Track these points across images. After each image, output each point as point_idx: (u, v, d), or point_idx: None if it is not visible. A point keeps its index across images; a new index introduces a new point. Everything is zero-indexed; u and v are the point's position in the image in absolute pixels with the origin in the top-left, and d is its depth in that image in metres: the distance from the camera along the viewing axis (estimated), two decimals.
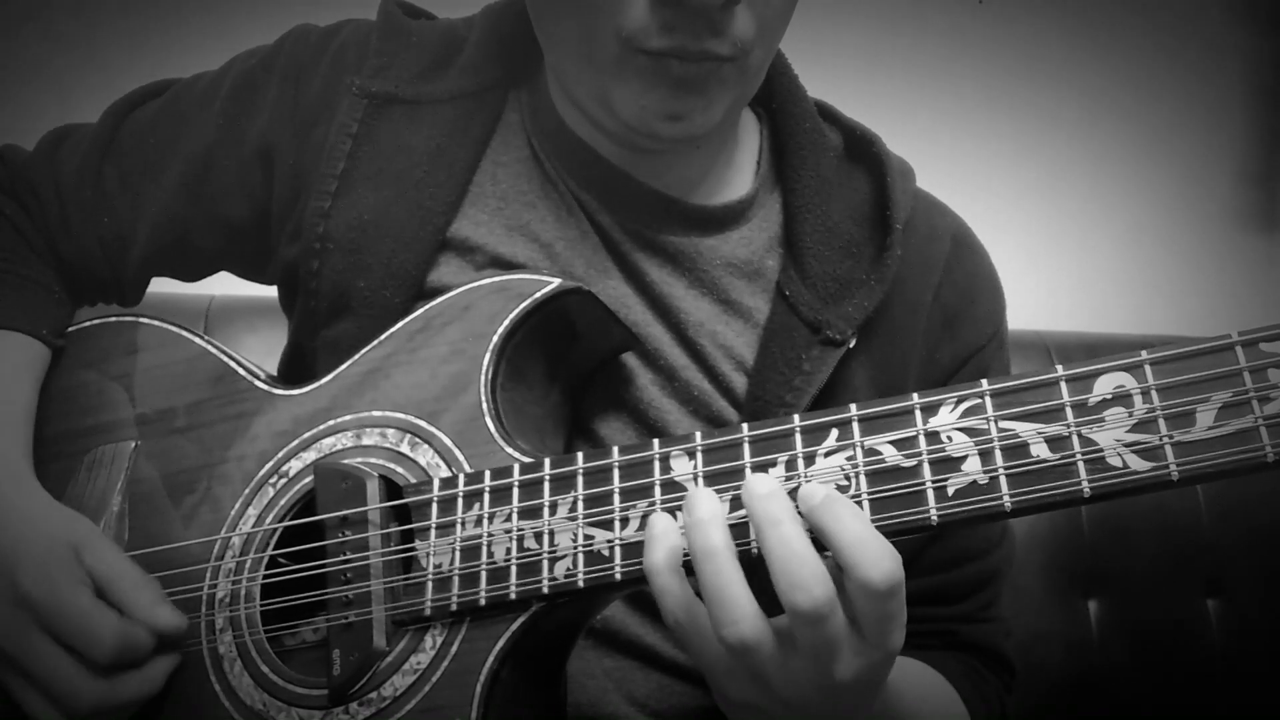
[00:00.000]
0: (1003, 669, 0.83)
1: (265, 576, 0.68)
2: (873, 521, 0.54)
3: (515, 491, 0.63)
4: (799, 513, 0.54)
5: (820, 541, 0.53)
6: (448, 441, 0.66)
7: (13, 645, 0.65)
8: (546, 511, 0.62)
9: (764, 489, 0.54)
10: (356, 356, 0.72)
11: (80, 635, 0.64)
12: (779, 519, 0.53)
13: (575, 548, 0.60)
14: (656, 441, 0.61)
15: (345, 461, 0.67)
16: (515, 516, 0.62)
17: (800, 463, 0.57)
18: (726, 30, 0.66)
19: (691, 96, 0.68)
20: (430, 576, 0.63)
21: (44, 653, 0.64)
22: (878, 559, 0.52)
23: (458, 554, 0.63)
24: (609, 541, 0.60)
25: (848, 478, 0.57)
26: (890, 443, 0.57)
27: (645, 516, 0.59)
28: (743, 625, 0.52)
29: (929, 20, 1.82)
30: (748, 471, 0.58)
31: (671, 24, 0.65)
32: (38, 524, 0.68)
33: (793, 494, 0.55)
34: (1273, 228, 1.92)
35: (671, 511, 0.58)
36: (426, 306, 0.71)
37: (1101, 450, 0.53)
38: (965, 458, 0.55)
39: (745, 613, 0.52)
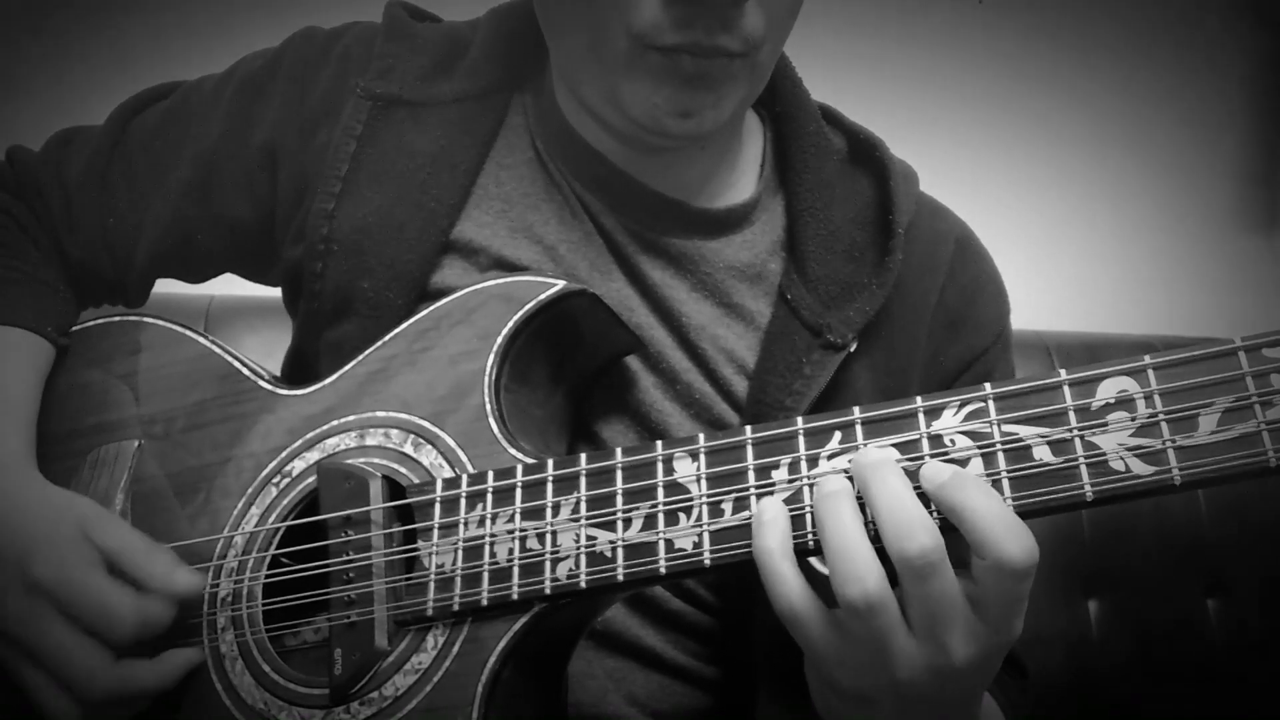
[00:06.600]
0: (1016, 671, 0.83)
1: (267, 576, 0.68)
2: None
3: (518, 492, 0.63)
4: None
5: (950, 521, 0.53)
6: (451, 442, 0.66)
7: (27, 633, 0.65)
8: (549, 512, 0.62)
9: (871, 456, 0.55)
10: (360, 357, 0.72)
11: (99, 616, 0.64)
12: (884, 472, 0.53)
13: (578, 549, 0.60)
14: (659, 443, 0.61)
15: (349, 461, 0.68)
16: (518, 517, 0.62)
17: (803, 465, 0.58)
18: (738, 26, 0.66)
19: (702, 93, 0.68)
20: (433, 576, 0.63)
21: (60, 638, 0.64)
22: (1018, 536, 0.51)
23: (460, 554, 0.63)
24: (611, 543, 0.60)
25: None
26: (893, 445, 0.57)
27: (648, 518, 0.59)
28: (868, 581, 0.52)
29: (929, 21, 1.82)
30: (750, 475, 0.58)
31: (685, 20, 0.65)
32: (41, 509, 0.68)
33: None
34: (1273, 228, 1.92)
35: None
36: (431, 308, 0.71)
37: (1104, 454, 0.53)
38: (968, 461, 0.55)
39: (871, 569, 0.52)
